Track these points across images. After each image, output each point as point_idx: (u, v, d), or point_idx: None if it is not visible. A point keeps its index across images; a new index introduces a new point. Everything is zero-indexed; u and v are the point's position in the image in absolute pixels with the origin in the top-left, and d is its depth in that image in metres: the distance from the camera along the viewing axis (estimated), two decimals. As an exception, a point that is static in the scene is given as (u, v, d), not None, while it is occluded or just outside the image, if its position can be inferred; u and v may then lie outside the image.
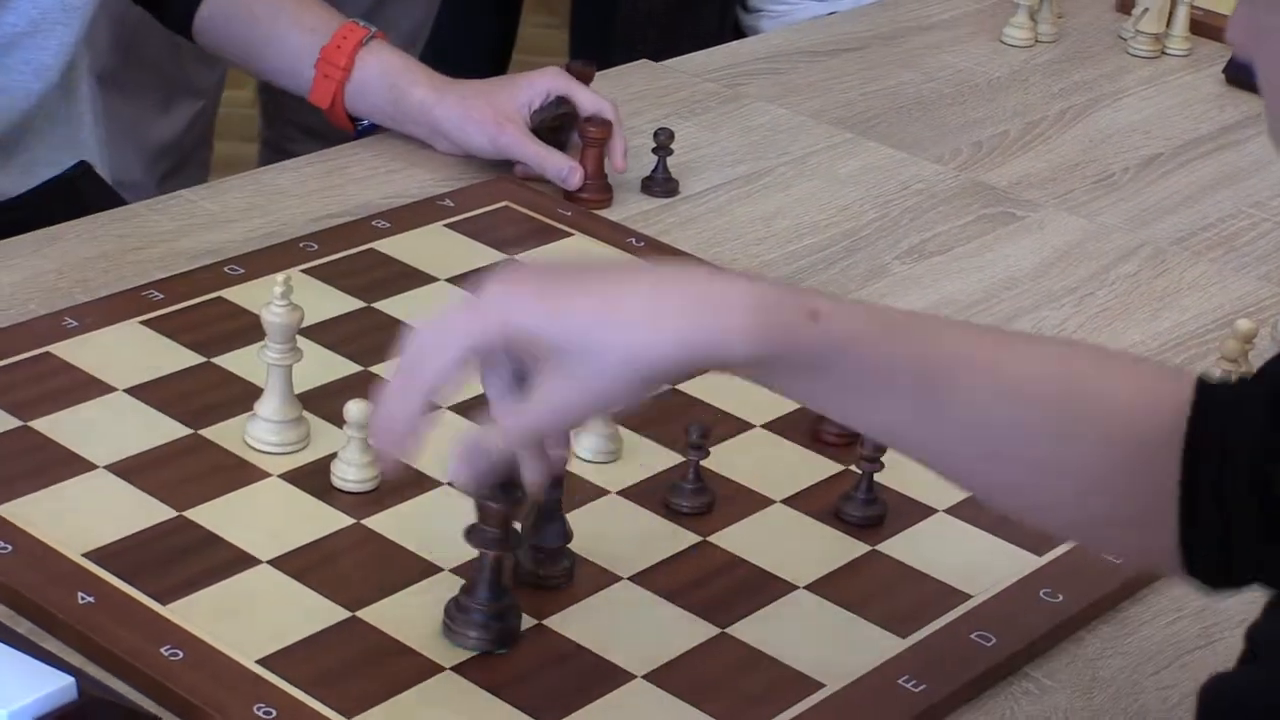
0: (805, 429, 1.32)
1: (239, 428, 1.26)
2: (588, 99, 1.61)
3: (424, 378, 0.95)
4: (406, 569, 1.15)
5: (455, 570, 1.14)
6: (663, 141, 1.63)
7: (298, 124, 2.33)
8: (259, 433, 1.25)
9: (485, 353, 0.96)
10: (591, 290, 0.96)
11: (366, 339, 1.35)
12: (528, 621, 1.11)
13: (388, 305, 1.41)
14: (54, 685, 0.95)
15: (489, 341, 0.95)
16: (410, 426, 0.96)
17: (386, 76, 1.63)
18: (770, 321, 0.93)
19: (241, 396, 1.29)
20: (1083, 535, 1.10)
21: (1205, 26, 2.04)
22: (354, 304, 1.42)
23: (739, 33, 2.37)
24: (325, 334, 1.36)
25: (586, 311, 0.94)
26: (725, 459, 1.27)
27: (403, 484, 1.20)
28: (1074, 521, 1.05)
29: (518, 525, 1.08)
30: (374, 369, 1.33)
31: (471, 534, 1.06)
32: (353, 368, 1.34)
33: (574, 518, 1.19)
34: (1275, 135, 0.80)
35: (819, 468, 1.29)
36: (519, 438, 0.97)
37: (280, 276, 1.23)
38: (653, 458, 1.27)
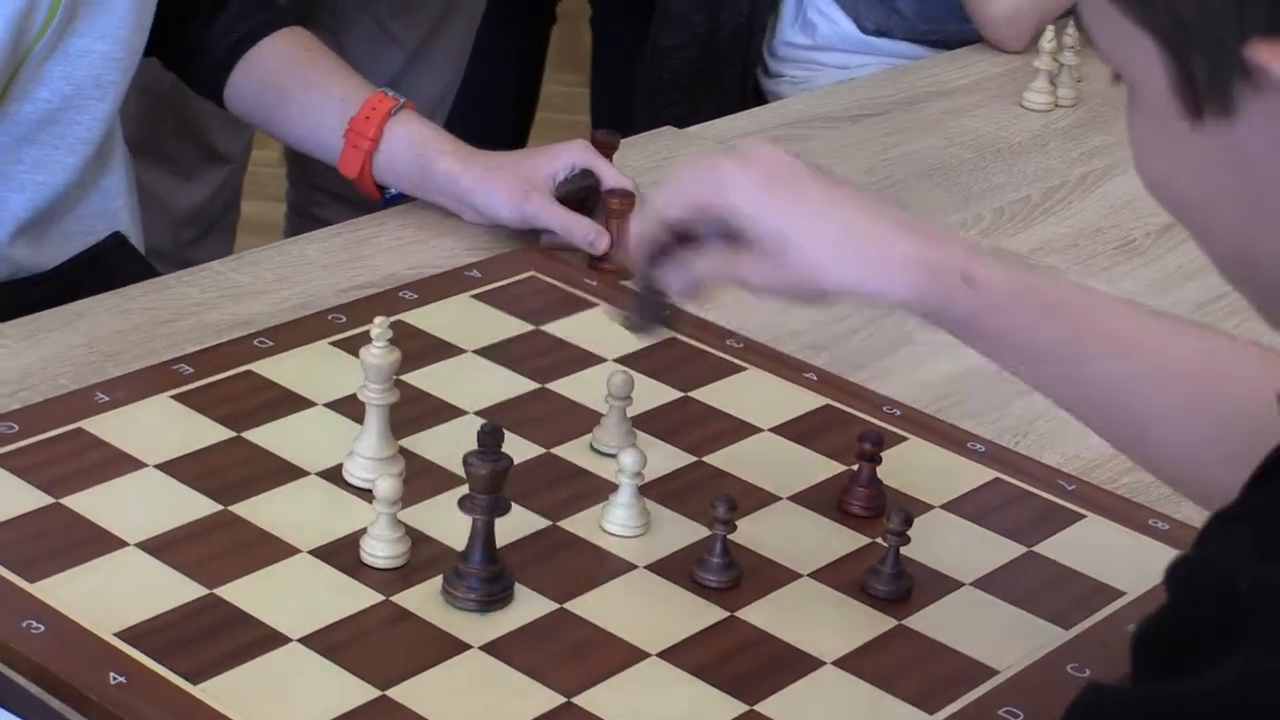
0: (832, 501, 1.31)
1: (269, 503, 1.26)
2: (611, 173, 1.61)
3: (654, 213, 1.18)
4: (437, 646, 1.14)
5: (483, 648, 1.14)
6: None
7: (325, 189, 2.34)
8: (357, 469, 1.27)
9: (704, 211, 1.13)
10: (801, 206, 1.12)
11: (395, 413, 1.34)
12: (555, 699, 1.10)
13: (415, 378, 1.40)
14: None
15: (708, 208, 1.12)
16: (640, 241, 1.19)
17: (415, 147, 1.64)
18: (929, 283, 1.09)
19: (272, 471, 1.29)
20: (1196, 497, 1.16)
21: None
22: (358, 370, 1.40)
23: (760, 98, 2.37)
24: (354, 407, 1.35)
25: (794, 225, 1.10)
26: (752, 532, 1.26)
27: (431, 559, 1.21)
28: (1195, 487, 1.14)
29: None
30: (403, 442, 1.32)
31: (463, 502, 1.14)
32: (353, 432, 1.32)
33: (598, 594, 1.20)
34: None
35: (845, 541, 1.28)
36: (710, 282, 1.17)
37: (379, 319, 1.26)
38: (680, 531, 1.27)
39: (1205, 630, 0.71)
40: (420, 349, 1.45)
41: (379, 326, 1.27)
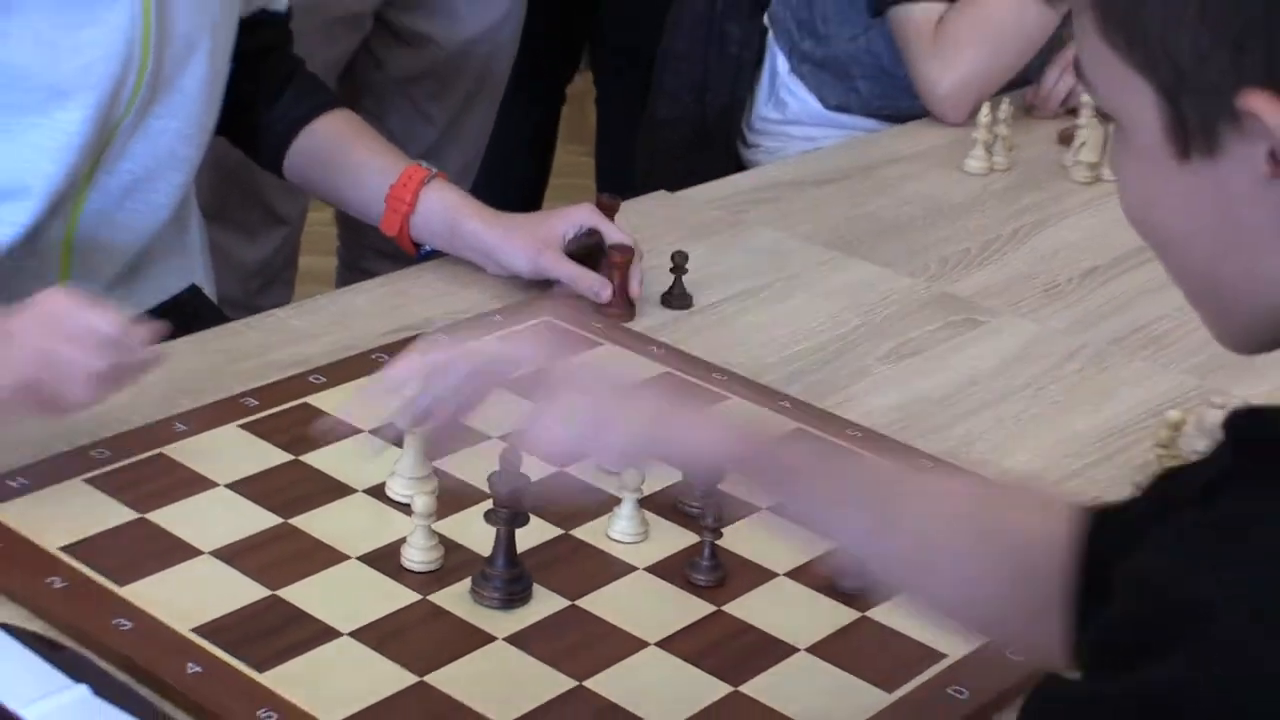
0: (801, 511, 1.31)
1: (322, 516, 1.26)
2: (613, 231, 1.61)
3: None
4: (466, 638, 1.14)
5: (506, 640, 1.14)
6: (678, 262, 1.63)
7: (370, 246, 2.34)
8: (398, 487, 1.28)
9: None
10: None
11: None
12: (568, 683, 1.10)
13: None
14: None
15: None
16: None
17: (445, 210, 1.63)
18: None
19: (326, 489, 1.29)
20: (990, 634, 1.10)
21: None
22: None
23: (740, 165, 2.37)
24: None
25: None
26: (736, 538, 1.25)
27: (461, 564, 1.20)
28: (983, 623, 1.06)
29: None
30: (436, 464, 1.31)
31: (488, 515, 1.15)
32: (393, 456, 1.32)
33: (605, 593, 1.20)
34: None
35: (816, 544, 1.25)
36: None
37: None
38: (674, 538, 1.26)
39: (1147, 631, 0.70)
40: (455, 384, 1.44)
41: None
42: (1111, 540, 0.93)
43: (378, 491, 1.29)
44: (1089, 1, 0.76)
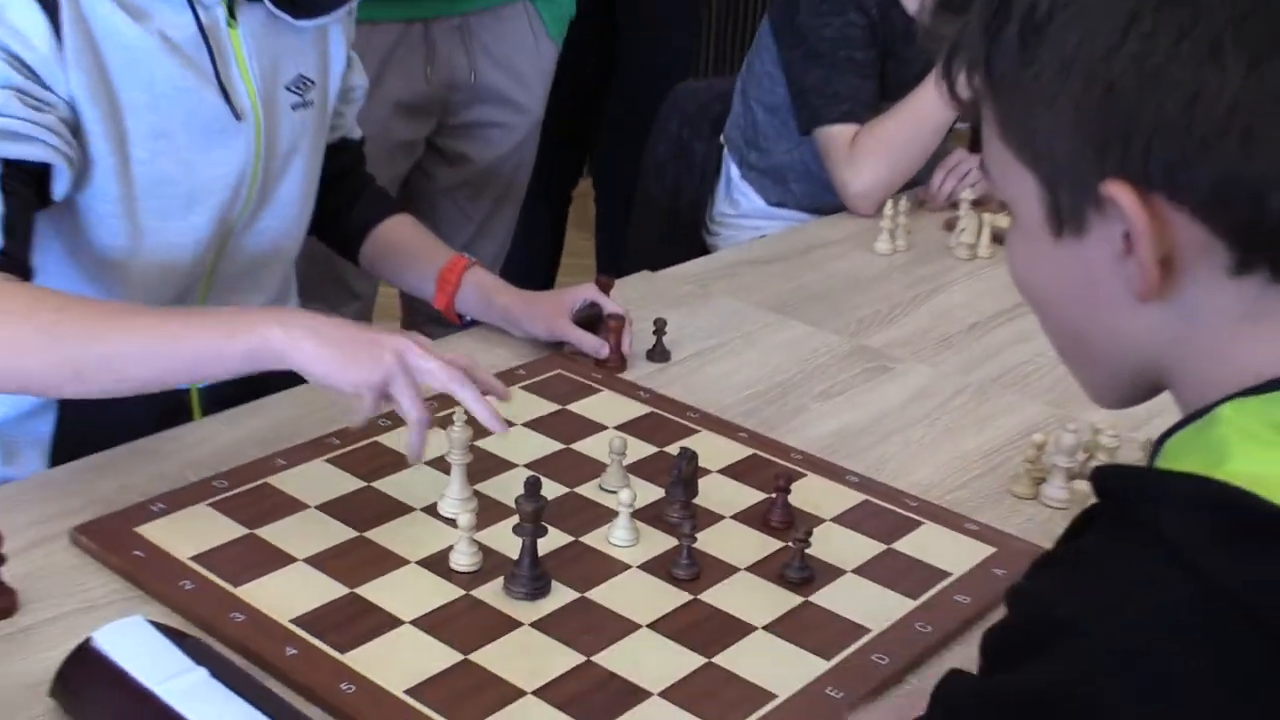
0: (759, 518, 1.29)
1: (388, 530, 1.24)
2: (609, 303, 1.60)
3: None
4: (500, 624, 1.12)
5: (531, 625, 1.12)
6: (659, 327, 1.62)
7: (425, 315, 2.31)
8: (446, 507, 1.26)
9: None
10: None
11: (470, 468, 1.30)
12: (579, 658, 1.08)
13: (484, 443, 1.35)
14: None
15: None
16: None
17: (481, 289, 1.62)
18: None
19: (390, 509, 1.27)
20: None
21: (1001, 236, 2.03)
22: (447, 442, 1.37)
23: (705, 250, 2.36)
24: (443, 464, 1.31)
25: None
26: (707, 541, 1.23)
27: (496, 566, 1.18)
28: None
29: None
30: (476, 487, 1.30)
31: (516, 529, 1.14)
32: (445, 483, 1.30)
33: (607, 586, 1.18)
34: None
35: (768, 545, 1.25)
36: None
37: (459, 411, 1.27)
38: (659, 542, 1.24)
39: (1026, 641, 0.68)
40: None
41: (458, 418, 1.27)
42: None
43: (431, 510, 1.27)
44: (993, 115, 0.75)
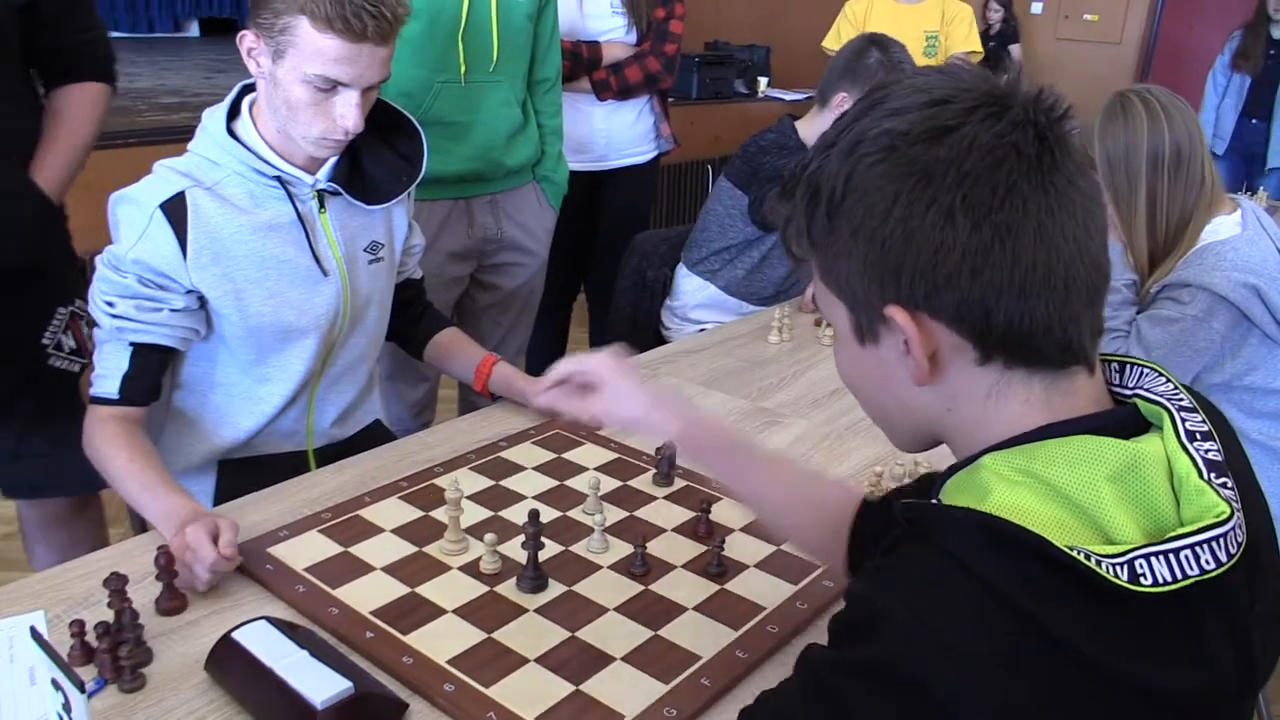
0: (691, 530, 1.25)
1: (439, 547, 1.18)
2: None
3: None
4: (513, 611, 1.08)
5: (535, 611, 1.07)
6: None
7: (471, 392, 2.29)
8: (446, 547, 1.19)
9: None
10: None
11: (495, 500, 1.28)
12: (566, 634, 1.03)
13: (508, 482, 1.33)
14: (342, 686, 0.88)
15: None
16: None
17: (506, 378, 1.58)
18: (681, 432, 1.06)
19: (442, 532, 1.21)
20: (817, 559, 1.11)
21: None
22: (488, 483, 1.34)
23: (661, 341, 2.34)
24: (479, 498, 1.29)
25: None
26: (655, 548, 1.20)
27: (510, 570, 1.14)
28: (805, 548, 1.07)
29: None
30: (501, 513, 1.25)
31: (524, 544, 1.10)
32: (485, 513, 1.26)
33: (587, 582, 1.13)
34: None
35: (697, 549, 1.21)
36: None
37: (455, 483, 1.23)
38: (623, 551, 1.20)
39: (859, 626, 0.65)
40: (509, 469, 1.39)
41: (452, 486, 1.27)
42: (868, 522, 0.95)
43: (471, 530, 1.21)
44: (816, 265, 0.73)
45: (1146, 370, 0.72)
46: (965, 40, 4.06)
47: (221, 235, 1.31)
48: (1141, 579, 0.59)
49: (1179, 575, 0.60)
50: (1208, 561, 0.60)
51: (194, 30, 7.63)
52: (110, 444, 1.25)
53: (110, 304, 1.28)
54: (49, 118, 1.57)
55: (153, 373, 1.31)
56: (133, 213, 1.28)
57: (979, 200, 0.63)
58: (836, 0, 4.23)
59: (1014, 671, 0.59)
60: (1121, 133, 1.69)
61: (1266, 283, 1.63)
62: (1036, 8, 6.01)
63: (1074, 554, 0.60)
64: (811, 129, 2.19)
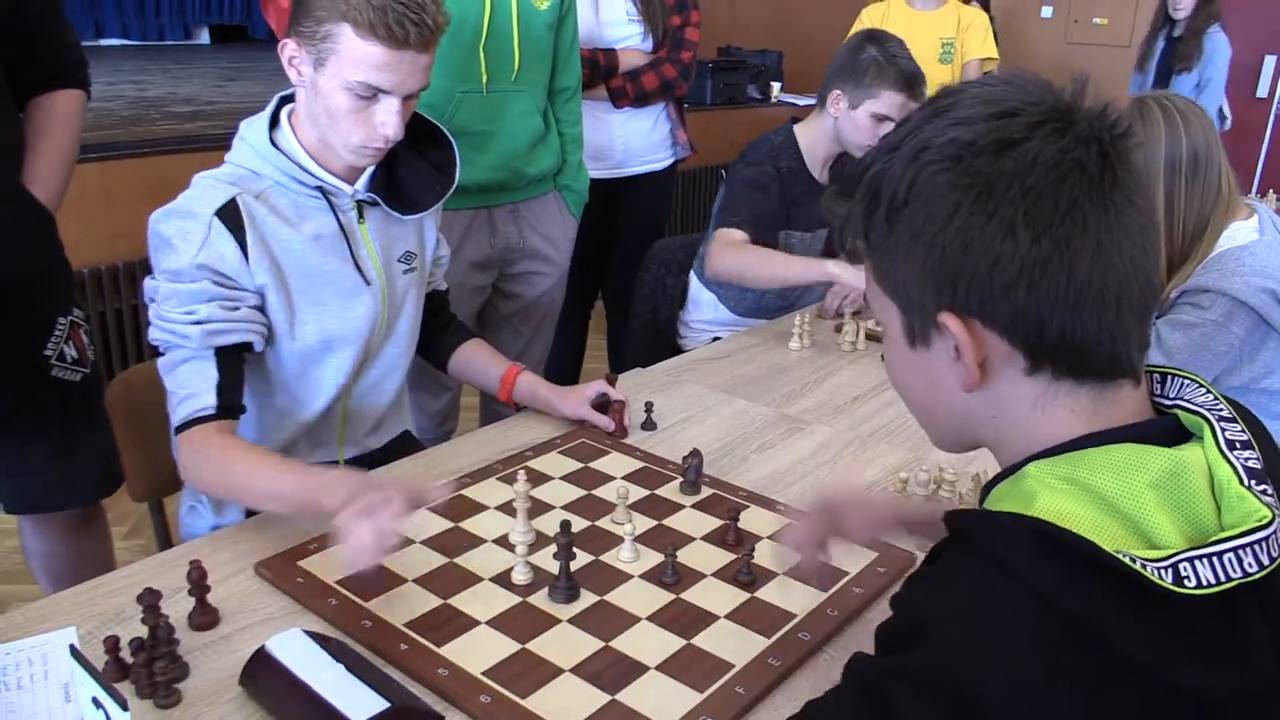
0: (720, 538, 1.24)
1: (470, 556, 1.18)
2: (615, 393, 1.56)
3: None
4: (546, 620, 1.07)
5: (568, 621, 1.06)
6: (648, 407, 1.58)
7: (495, 399, 2.29)
8: (512, 538, 1.20)
9: None
10: None
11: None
12: (599, 644, 1.02)
13: (536, 492, 1.32)
14: (380, 706, 0.87)
15: None
16: None
17: (529, 386, 1.58)
18: None
19: (473, 542, 1.22)
20: None
21: (874, 336, 2.00)
22: (512, 494, 1.32)
23: (678, 351, 2.32)
24: (509, 508, 1.28)
25: None
26: (685, 556, 1.19)
27: (543, 580, 1.13)
28: None
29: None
30: (530, 523, 1.25)
31: (556, 554, 1.09)
32: (511, 522, 1.24)
33: (618, 591, 1.12)
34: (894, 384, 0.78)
35: (727, 558, 1.20)
36: None
37: (521, 473, 1.25)
38: (653, 560, 1.19)
39: (907, 634, 0.65)
40: (536, 478, 1.38)
41: (520, 479, 1.22)
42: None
43: (502, 541, 1.21)
44: (870, 265, 0.74)
45: (1187, 381, 0.72)
46: (981, 46, 4.04)
47: (273, 243, 1.31)
48: (1186, 581, 0.60)
49: (1222, 578, 0.60)
50: (1250, 564, 0.61)
51: (204, 38, 7.62)
52: (226, 453, 1.20)
53: (191, 312, 1.24)
54: (33, 128, 1.54)
55: (240, 376, 1.29)
56: (187, 225, 1.26)
57: (1040, 215, 0.64)
58: (848, 4, 4.22)
59: (1061, 676, 0.59)
60: (1140, 139, 1.68)
61: (1284, 288, 1.62)
62: (1046, 11, 5.99)
63: (1121, 558, 0.60)
64: (810, 131, 2.15)
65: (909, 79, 2.00)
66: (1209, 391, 0.71)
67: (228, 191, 1.29)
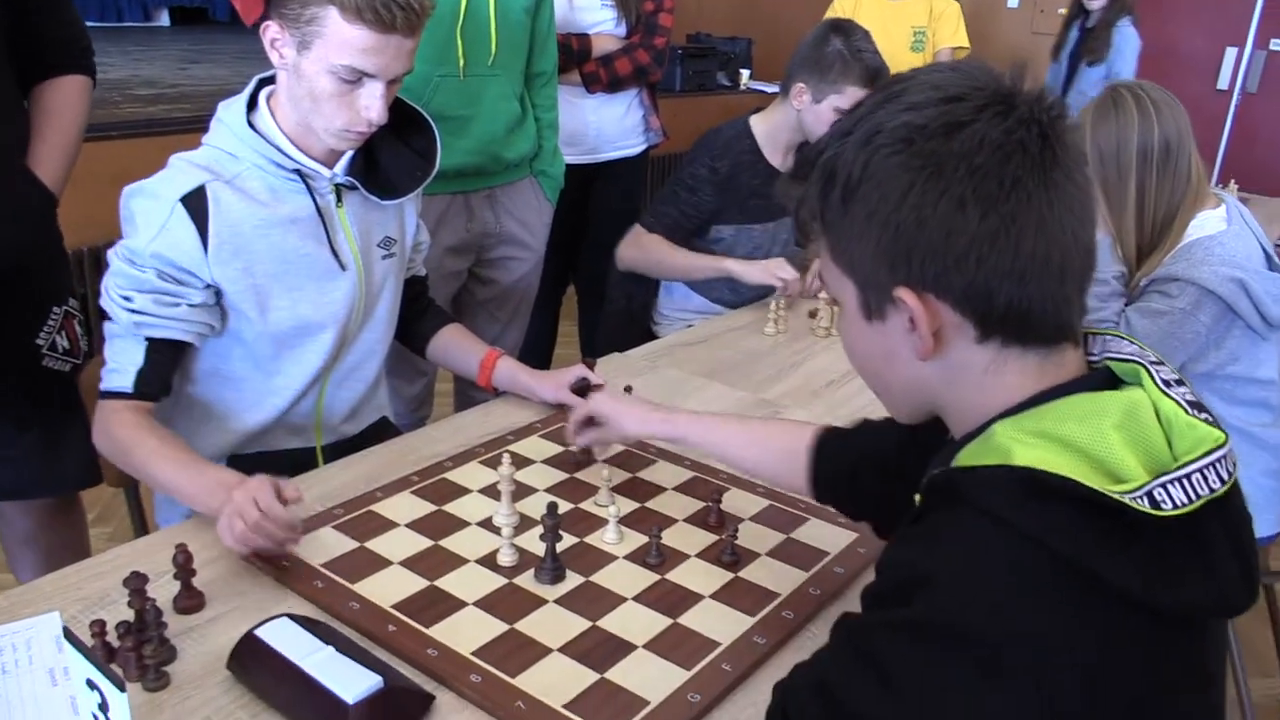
0: (702, 520, 1.25)
1: (455, 539, 1.18)
2: (594, 377, 1.56)
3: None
4: (533, 601, 1.08)
5: (554, 601, 1.07)
6: (628, 391, 1.56)
7: (470, 384, 2.29)
8: (496, 520, 1.21)
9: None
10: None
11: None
12: (586, 623, 1.03)
13: (519, 475, 1.32)
14: (371, 681, 0.87)
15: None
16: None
17: (509, 370, 1.58)
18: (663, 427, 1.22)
19: (456, 524, 1.22)
20: (778, 485, 1.16)
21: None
22: (495, 476, 1.32)
23: (653, 337, 2.33)
24: (492, 491, 1.28)
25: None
26: (669, 538, 1.20)
27: (529, 561, 1.14)
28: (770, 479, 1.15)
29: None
30: (514, 506, 1.25)
31: (542, 536, 1.10)
32: (495, 505, 1.25)
33: (604, 572, 1.13)
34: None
35: (709, 538, 1.22)
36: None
37: (506, 456, 1.27)
38: (637, 542, 1.20)
39: (898, 589, 0.68)
40: (519, 462, 1.38)
41: (505, 462, 1.23)
42: (827, 452, 1.06)
43: (486, 524, 1.22)
44: (826, 244, 0.76)
45: (1110, 337, 0.77)
46: (953, 35, 4.08)
47: (243, 229, 1.30)
48: (1163, 505, 0.63)
49: (1193, 496, 0.64)
50: (1214, 481, 0.65)
51: (164, 19, 7.47)
52: (132, 432, 1.23)
53: (128, 298, 1.26)
54: (39, 113, 1.54)
55: (167, 368, 1.30)
56: (151, 206, 1.26)
57: (988, 192, 0.67)
58: (818, -7, 4.23)
59: (1058, 616, 0.62)
60: (1113, 127, 1.70)
61: (1251, 277, 1.65)
62: (1012, 2, 6.04)
63: (1104, 491, 0.63)
64: (770, 122, 2.14)
65: (874, 74, 2.00)
66: (1132, 342, 0.76)
67: (198, 178, 1.28)
